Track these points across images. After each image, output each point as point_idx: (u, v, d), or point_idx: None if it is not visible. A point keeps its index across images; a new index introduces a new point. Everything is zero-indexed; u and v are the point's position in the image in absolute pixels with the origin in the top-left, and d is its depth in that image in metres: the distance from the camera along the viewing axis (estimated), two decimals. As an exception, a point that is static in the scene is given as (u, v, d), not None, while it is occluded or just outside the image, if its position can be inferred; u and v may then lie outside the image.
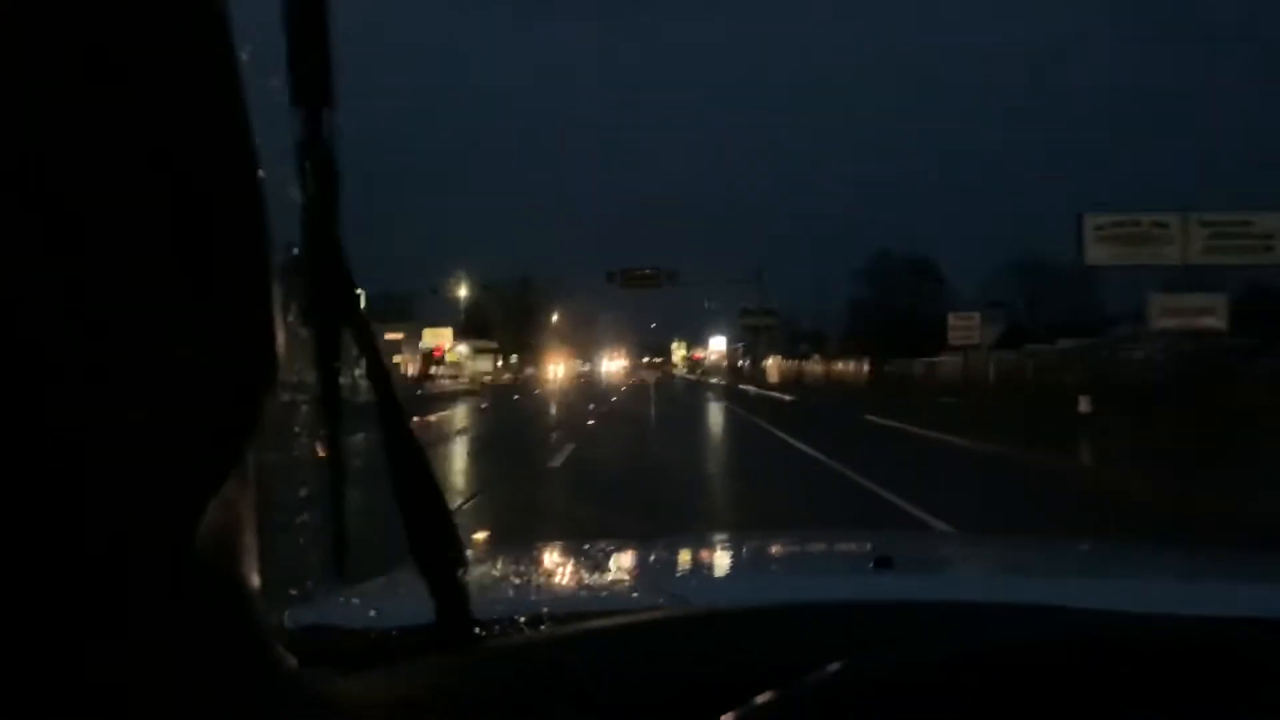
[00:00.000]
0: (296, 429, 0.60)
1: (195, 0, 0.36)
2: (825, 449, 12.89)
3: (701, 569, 1.60)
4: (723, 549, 1.82)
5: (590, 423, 19.55)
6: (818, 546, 1.81)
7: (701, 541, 2.17)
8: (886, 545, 1.38)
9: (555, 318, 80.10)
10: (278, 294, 0.39)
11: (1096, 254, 18.32)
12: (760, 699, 0.48)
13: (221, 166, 0.37)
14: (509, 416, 24.20)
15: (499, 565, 1.42)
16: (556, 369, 67.13)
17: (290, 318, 0.47)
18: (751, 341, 69.60)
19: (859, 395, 32.41)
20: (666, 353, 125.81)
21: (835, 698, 0.48)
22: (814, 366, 53.78)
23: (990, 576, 1.45)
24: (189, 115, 0.36)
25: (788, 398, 32.50)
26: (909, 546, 1.76)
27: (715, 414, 24.69)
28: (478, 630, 0.66)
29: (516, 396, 35.58)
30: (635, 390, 41.41)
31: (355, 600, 1.00)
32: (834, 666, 0.49)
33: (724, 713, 0.47)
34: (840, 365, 48.08)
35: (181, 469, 0.37)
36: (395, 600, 0.98)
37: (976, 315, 24.56)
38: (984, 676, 0.51)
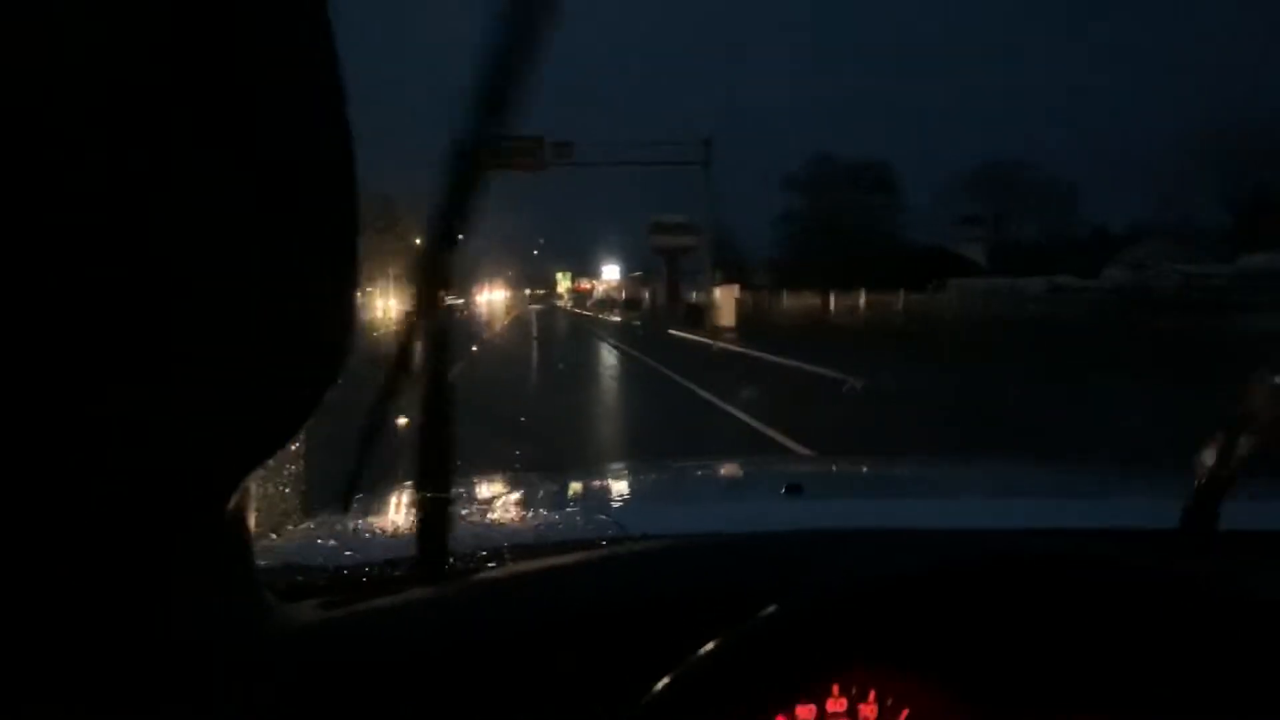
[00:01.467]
0: None
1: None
2: None
3: (634, 498, 1.60)
4: (651, 476, 1.92)
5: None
6: (733, 473, 1.93)
7: (631, 470, 2.25)
8: (796, 471, 1.61)
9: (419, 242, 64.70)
10: (360, 256, 0.40)
11: None
12: (759, 615, 0.53)
13: (312, 128, 0.38)
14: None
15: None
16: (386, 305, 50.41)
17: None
18: (668, 267, 54.45)
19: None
20: (551, 284, 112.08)
21: (805, 622, 0.54)
22: (800, 302, 34.53)
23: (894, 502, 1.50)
24: (285, 75, 0.36)
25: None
26: (817, 471, 1.91)
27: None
28: (452, 563, 0.70)
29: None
30: (514, 333, 25.81)
31: (329, 538, 0.99)
32: (804, 592, 0.54)
33: (692, 639, 0.52)
34: (850, 301, 30.00)
35: (266, 418, 0.40)
36: (363, 536, 1.01)
37: None
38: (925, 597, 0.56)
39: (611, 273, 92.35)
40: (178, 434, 0.37)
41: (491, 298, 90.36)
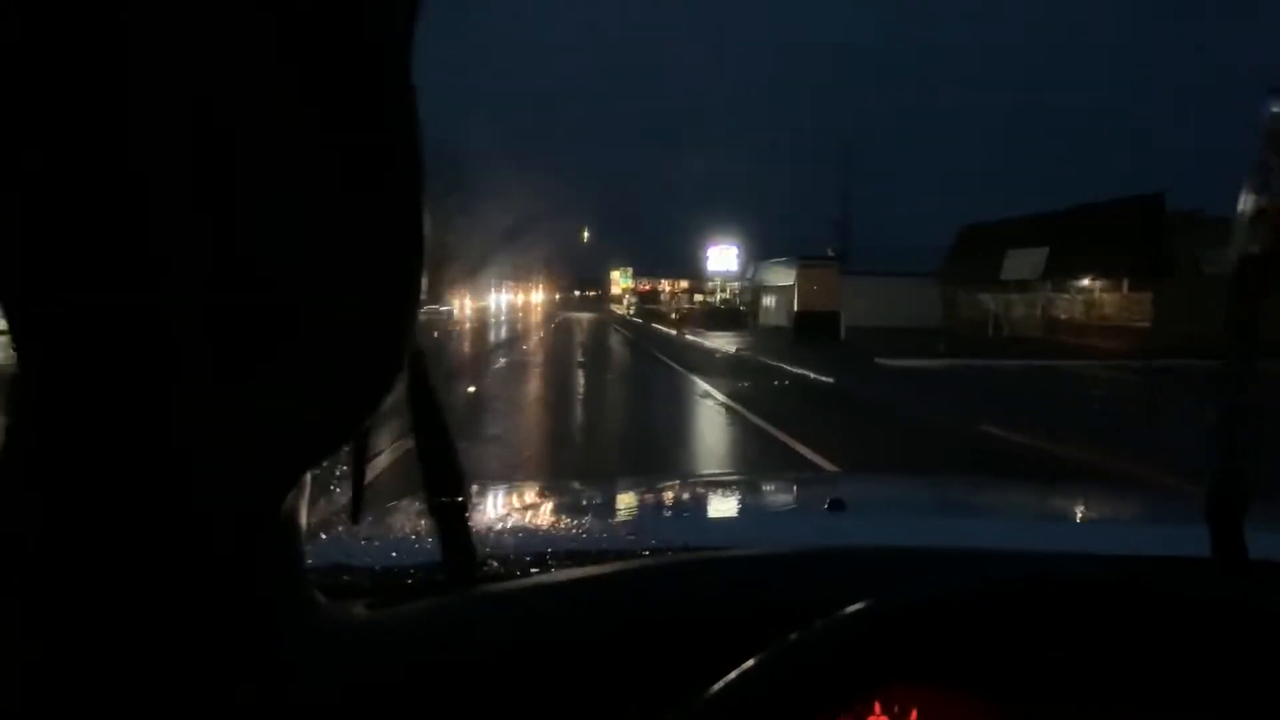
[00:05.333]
0: None
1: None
2: None
3: (678, 510, 1.65)
4: (696, 490, 1.94)
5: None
6: (775, 489, 2.02)
7: (676, 483, 2.21)
8: (837, 488, 1.59)
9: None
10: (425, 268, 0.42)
11: None
12: (802, 630, 0.52)
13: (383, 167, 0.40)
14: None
15: (491, 506, 1.46)
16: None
17: None
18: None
19: None
20: (605, 285, 77.19)
21: (856, 639, 0.53)
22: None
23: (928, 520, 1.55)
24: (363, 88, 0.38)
25: None
26: (857, 489, 1.89)
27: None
28: (487, 567, 0.73)
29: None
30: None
31: (372, 540, 1.03)
32: (852, 608, 0.53)
33: (734, 652, 0.52)
34: None
35: (330, 420, 0.42)
36: (409, 539, 1.03)
37: None
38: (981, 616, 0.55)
39: (726, 260, 55.20)
40: (249, 432, 0.39)
41: (516, 300, 56.97)
